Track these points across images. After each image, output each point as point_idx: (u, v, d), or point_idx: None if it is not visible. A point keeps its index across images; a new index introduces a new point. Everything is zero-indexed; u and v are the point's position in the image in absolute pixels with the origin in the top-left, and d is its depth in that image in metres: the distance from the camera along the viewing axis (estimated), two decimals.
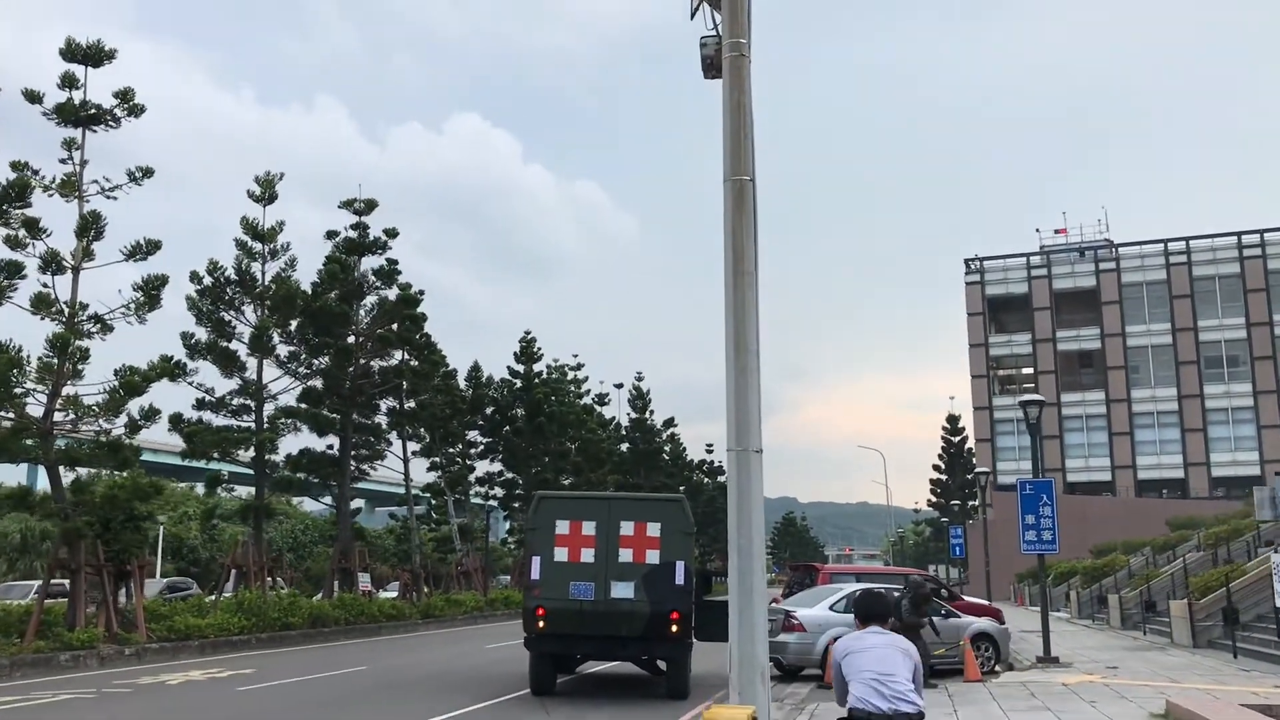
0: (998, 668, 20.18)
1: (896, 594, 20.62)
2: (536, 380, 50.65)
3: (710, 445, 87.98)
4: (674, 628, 15.39)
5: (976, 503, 75.84)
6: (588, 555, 15.68)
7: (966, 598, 26.17)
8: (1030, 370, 78.54)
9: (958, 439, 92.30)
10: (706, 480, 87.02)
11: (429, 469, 46.20)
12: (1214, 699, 13.67)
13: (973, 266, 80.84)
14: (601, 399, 62.39)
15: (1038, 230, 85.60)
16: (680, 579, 15.53)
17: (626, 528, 15.82)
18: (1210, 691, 15.20)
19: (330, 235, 34.94)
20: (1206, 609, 24.11)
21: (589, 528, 15.84)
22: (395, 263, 35.29)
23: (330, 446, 34.74)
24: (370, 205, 35.17)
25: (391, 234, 35.18)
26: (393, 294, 35.39)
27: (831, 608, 19.24)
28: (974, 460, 78.63)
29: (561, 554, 15.71)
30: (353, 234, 35.01)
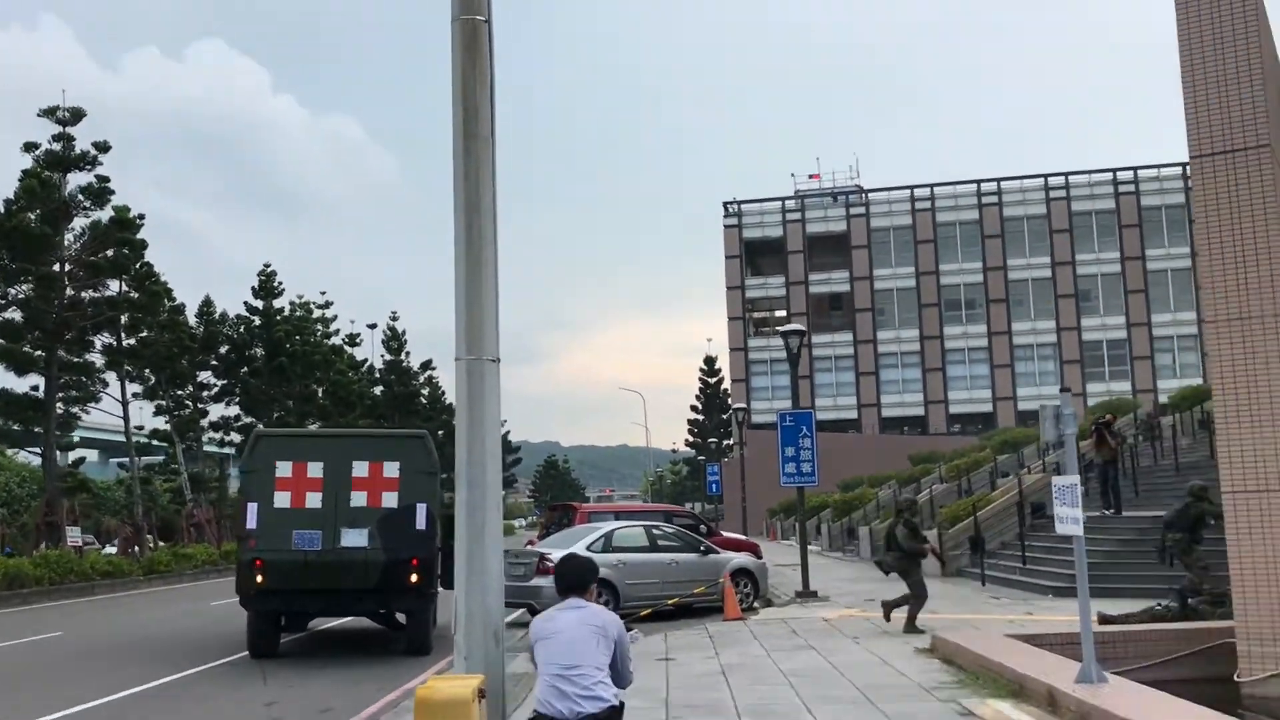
0: (757, 604, 19.63)
1: (682, 527, 19.79)
2: (278, 318, 47.17)
3: None
4: (414, 577, 13.78)
5: (732, 441, 77.37)
6: (314, 500, 13.84)
7: (724, 533, 25.70)
8: (784, 312, 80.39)
9: (714, 380, 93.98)
10: None
11: (155, 413, 42.33)
12: (976, 630, 13.28)
13: (730, 210, 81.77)
14: (353, 339, 59.20)
15: (793, 175, 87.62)
16: (421, 523, 13.94)
17: (360, 469, 14.06)
18: (968, 621, 14.92)
19: (29, 147, 30.78)
20: (955, 538, 24.49)
21: (316, 469, 13.98)
22: (106, 180, 31.50)
23: (35, 388, 30.95)
24: (77, 115, 31.20)
25: (102, 148, 31.32)
26: (106, 216, 31.64)
27: (589, 547, 18.08)
28: (730, 401, 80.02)
29: (283, 499, 13.80)
30: (56, 147, 30.96)
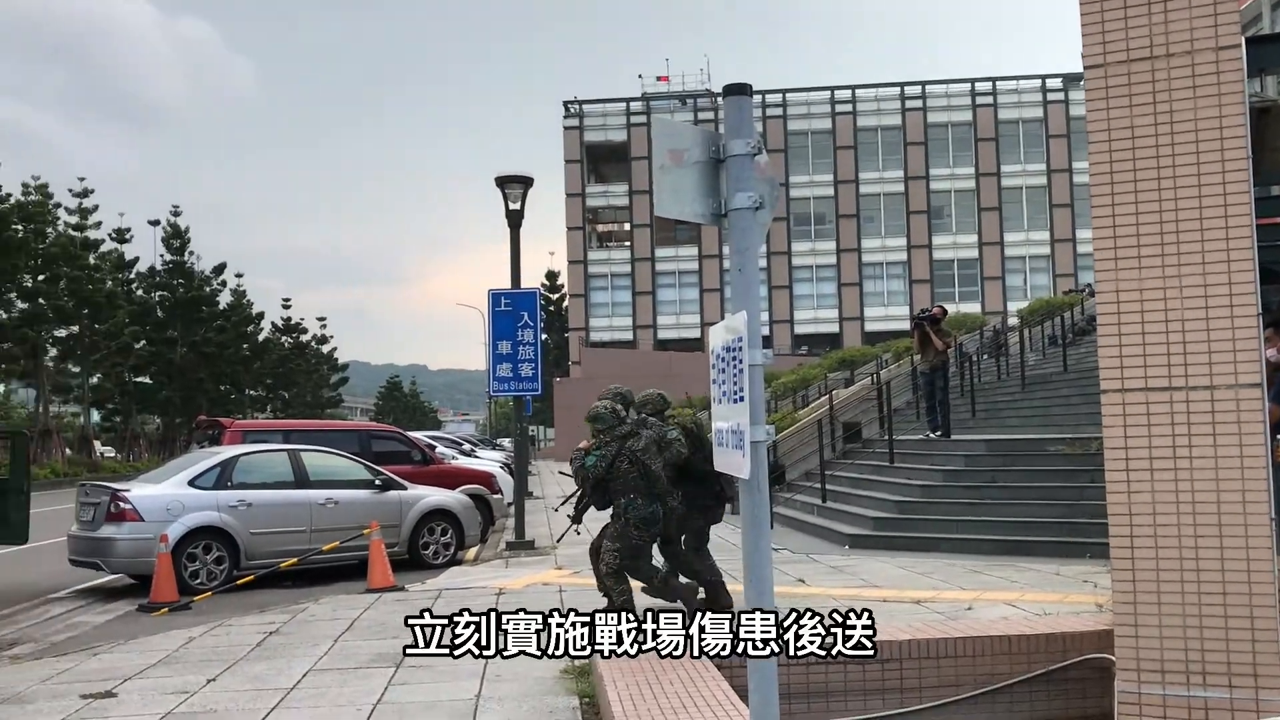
0: (462, 555, 14.39)
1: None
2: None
3: (324, 318, 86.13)
4: None
5: (573, 360, 72.08)
6: None
7: (457, 461, 20.18)
8: (629, 225, 75.05)
9: (557, 297, 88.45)
10: (285, 338, 78.03)
11: None
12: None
13: (571, 110, 75.48)
14: (122, 235, 51.23)
15: (640, 76, 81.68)
16: None
17: None
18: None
19: None
20: None
21: None
22: None
23: None
24: None
25: None
26: None
27: (193, 482, 12.46)
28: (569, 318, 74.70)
29: None
30: None
